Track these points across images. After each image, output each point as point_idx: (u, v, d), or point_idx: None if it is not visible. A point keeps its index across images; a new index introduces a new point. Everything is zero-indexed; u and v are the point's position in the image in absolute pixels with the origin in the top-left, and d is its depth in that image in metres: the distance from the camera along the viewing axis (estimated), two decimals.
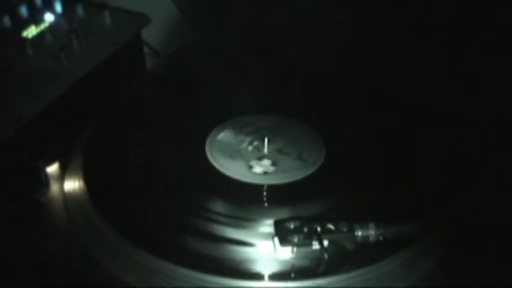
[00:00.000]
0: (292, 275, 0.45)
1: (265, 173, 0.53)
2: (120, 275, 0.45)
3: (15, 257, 0.47)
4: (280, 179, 0.53)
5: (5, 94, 0.57)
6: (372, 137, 0.58)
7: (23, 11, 0.67)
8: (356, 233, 0.44)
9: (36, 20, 0.66)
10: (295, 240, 0.44)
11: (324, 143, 0.56)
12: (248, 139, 0.57)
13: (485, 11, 0.57)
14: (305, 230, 0.44)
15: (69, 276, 0.46)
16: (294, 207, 0.49)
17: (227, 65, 0.69)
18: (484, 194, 0.49)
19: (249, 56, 0.70)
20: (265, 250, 0.46)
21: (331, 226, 0.45)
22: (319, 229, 0.44)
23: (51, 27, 0.66)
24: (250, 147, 0.56)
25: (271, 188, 0.52)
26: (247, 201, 0.51)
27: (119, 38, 0.66)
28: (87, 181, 0.52)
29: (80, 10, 0.69)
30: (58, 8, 0.69)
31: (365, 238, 0.44)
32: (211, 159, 0.54)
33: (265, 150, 0.55)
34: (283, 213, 0.48)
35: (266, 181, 0.52)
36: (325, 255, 0.43)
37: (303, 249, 0.45)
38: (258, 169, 0.53)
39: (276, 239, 0.45)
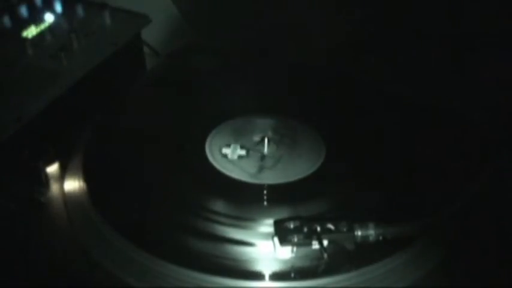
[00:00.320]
0: (292, 275, 0.45)
1: (264, 172, 0.53)
2: (120, 275, 0.45)
3: (15, 257, 0.47)
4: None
5: (5, 94, 0.57)
6: (371, 137, 0.58)
7: (23, 11, 0.67)
8: (356, 233, 0.44)
9: (36, 20, 0.66)
10: (295, 240, 0.44)
11: (324, 143, 0.56)
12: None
13: (485, 11, 0.57)
14: (305, 229, 0.44)
15: (69, 276, 0.46)
16: (294, 207, 0.49)
17: (227, 65, 0.69)
18: (484, 194, 0.49)
19: (249, 56, 0.70)
20: (265, 250, 0.46)
21: (331, 226, 0.45)
22: (319, 229, 0.44)
23: (51, 27, 0.66)
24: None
25: (271, 188, 0.52)
26: (247, 201, 0.51)
27: (119, 38, 0.66)
28: (87, 181, 0.52)
29: (80, 10, 0.69)
30: (58, 8, 0.69)
31: (365, 238, 0.44)
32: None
33: (265, 150, 0.55)
34: (283, 213, 0.48)
35: (266, 181, 0.52)
36: (325, 255, 0.43)
37: (303, 249, 0.45)
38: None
39: (276, 239, 0.45)
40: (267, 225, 0.47)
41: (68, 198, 0.52)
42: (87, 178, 0.52)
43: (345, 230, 0.44)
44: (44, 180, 0.54)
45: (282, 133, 0.57)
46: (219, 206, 0.50)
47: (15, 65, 0.60)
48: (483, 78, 0.60)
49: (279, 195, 0.51)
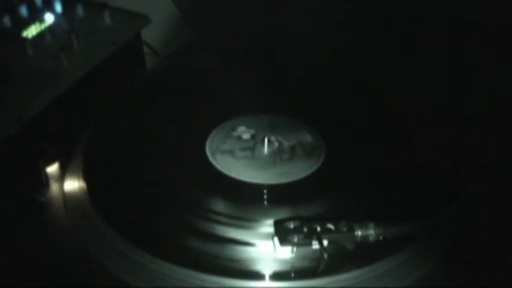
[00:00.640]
0: (292, 275, 0.45)
1: (264, 172, 0.53)
2: (120, 275, 0.45)
3: (15, 257, 0.47)
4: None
5: (5, 94, 0.57)
6: (371, 136, 0.58)
7: (23, 11, 0.67)
8: (356, 233, 0.44)
9: (36, 20, 0.66)
10: (295, 240, 0.44)
11: (324, 143, 0.56)
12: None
13: (485, 10, 0.57)
14: (305, 229, 0.44)
15: (69, 276, 0.46)
16: (294, 207, 0.49)
17: (227, 65, 0.69)
18: (484, 194, 0.49)
19: (249, 56, 0.70)
20: (265, 250, 0.46)
21: (331, 226, 0.45)
22: (319, 229, 0.44)
23: (51, 27, 0.66)
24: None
25: (271, 188, 0.52)
26: (247, 201, 0.51)
27: (119, 38, 0.66)
28: (87, 181, 0.52)
29: (80, 10, 0.69)
30: (58, 8, 0.69)
31: (365, 238, 0.44)
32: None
33: (265, 150, 0.55)
34: (283, 213, 0.48)
35: (266, 181, 0.52)
36: (325, 255, 0.43)
37: (303, 249, 0.45)
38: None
39: (276, 239, 0.45)
40: (267, 225, 0.47)
41: (68, 198, 0.52)
42: (87, 178, 0.52)
43: (345, 230, 0.44)
44: (44, 180, 0.54)
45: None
46: (219, 206, 0.50)
47: (15, 65, 0.60)
48: (483, 78, 0.60)
49: (279, 195, 0.51)
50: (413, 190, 0.51)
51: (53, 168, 0.55)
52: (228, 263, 0.45)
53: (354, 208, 0.49)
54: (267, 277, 0.45)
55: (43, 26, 0.66)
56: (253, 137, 0.57)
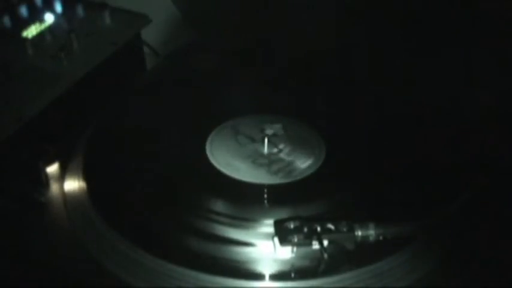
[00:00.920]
0: (292, 275, 0.45)
1: (264, 172, 0.53)
2: (120, 275, 0.45)
3: (15, 257, 0.47)
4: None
5: (5, 94, 0.57)
6: (372, 137, 0.58)
7: (23, 11, 0.67)
8: (356, 233, 0.44)
9: (36, 20, 0.66)
10: (295, 240, 0.44)
11: (324, 143, 0.56)
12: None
13: (485, 10, 0.57)
14: (305, 229, 0.44)
15: (69, 276, 0.46)
16: (294, 207, 0.49)
17: (227, 65, 0.69)
18: (484, 194, 0.49)
19: (249, 56, 0.70)
20: (265, 250, 0.46)
21: (331, 226, 0.45)
22: (319, 229, 0.44)
23: (51, 27, 0.66)
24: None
25: (271, 188, 0.52)
26: (247, 201, 0.51)
27: (119, 38, 0.66)
28: (87, 181, 0.52)
29: (80, 10, 0.69)
30: (58, 8, 0.69)
31: (365, 238, 0.44)
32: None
33: (265, 150, 0.55)
34: (283, 213, 0.48)
35: (266, 181, 0.52)
36: (325, 255, 0.43)
37: (303, 249, 0.45)
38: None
39: (276, 239, 0.45)
40: (267, 225, 0.47)
41: (68, 198, 0.52)
42: (87, 178, 0.52)
43: (345, 230, 0.44)
44: (44, 180, 0.54)
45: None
46: (219, 206, 0.50)
47: (15, 65, 0.60)
48: (483, 78, 0.60)
49: (279, 195, 0.51)
50: (413, 190, 0.51)
51: (53, 168, 0.55)
52: (228, 263, 0.45)
53: (354, 208, 0.49)
54: (267, 277, 0.45)
55: (43, 26, 0.66)
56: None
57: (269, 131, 0.57)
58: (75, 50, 0.63)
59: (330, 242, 0.44)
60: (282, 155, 0.55)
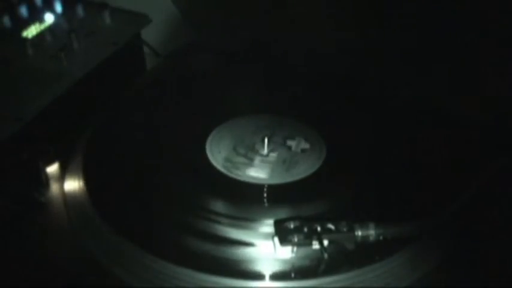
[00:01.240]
0: (292, 275, 0.45)
1: (264, 172, 0.53)
2: (120, 275, 0.45)
3: (15, 257, 0.47)
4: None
5: (5, 94, 0.57)
6: (372, 137, 0.58)
7: (23, 11, 0.67)
8: (356, 233, 0.44)
9: (36, 20, 0.66)
10: (295, 240, 0.44)
11: (324, 143, 0.56)
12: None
13: (485, 10, 0.57)
14: (305, 229, 0.44)
15: (69, 276, 0.46)
16: (294, 207, 0.49)
17: (227, 65, 0.69)
18: (484, 194, 0.49)
19: (249, 56, 0.70)
20: (265, 250, 0.46)
21: (331, 226, 0.45)
22: (319, 229, 0.44)
23: (51, 27, 0.66)
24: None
25: (271, 188, 0.52)
26: (247, 201, 0.51)
27: (119, 38, 0.66)
28: (87, 181, 0.52)
29: (80, 10, 0.69)
30: (58, 8, 0.69)
31: (365, 238, 0.44)
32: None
33: (265, 150, 0.55)
34: (283, 213, 0.48)
35: (266, 181, 0.52)
36: (325, 255, 0.43)
37: (303, 249, 0.45)
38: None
39: (276, 239, 0.45)
40: (267, 225, 0.47)
41: (68, 198, 0.52)
42: (87, 178, 0.52)
43: (345, 230, 0.44)
44: (44, 180, 0.54)
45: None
46: (219, 206, 0.50)
47: (15, 65, 0.60)
48: (483, 78, 0.60)
49: (279, 195, 0.51)
50: (413, 190, 0.51)
51: (53, 168, 0.55)
52: (228, 263, 0.45)
53: (354, 208, 0.49)
54: (267, 277, 0.45)
55: (43, 26, 0.66)
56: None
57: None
58: (75, 50, 0.63)
59: (330, 242, 0.44)
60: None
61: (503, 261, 0.46)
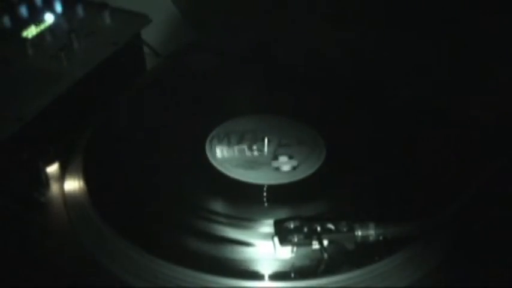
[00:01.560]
0: (292, 275, 0.45)
1: (264, 172, 0.53)
2: (120, 275, 0.45)
3: (15, 257, 0.47)
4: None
5: (5, 94, 0.57)
6: (372, 137, 0.58)
7: (23, 11, 0.67)
8: (356, 233, 0.44)
9: (36, 20, 0.66)
10: (295, 239, 0.44)
11: (324, 143, 0.56)
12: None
13: (485, 11, 0.57)
14: (305, 229, 0.44)
15: (69, 276, 0.46)
16: (294, 207, 0.49)
17: (227, 65, 0.69)
18: (484, 194, 0.49)
19: (249, 56, 0.70)
20: (265, 250, 0.46)
21: (331, 226, 0.45)
22: (319, 229, 0.44)
23: (51, 27, 0.66)
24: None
25: (271, 188, 0.52)
26: (247, 201, 0.51)
27: (119, 38, 0.66)
28: (87, 181, 0.52)
29: (80, 10, 0.69)
30: (58, 8, 0.69)
31: (365, 238, 0.44)
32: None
33: (265, 150, 0.55)
34: (283, 213, 0.48)
35: (266, 181, 0.52)
36: (325, 255, 0.43)
37: (303, 249, 0.45)
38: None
39: (276, 239, 0.45)
40: (267, 225, 0.47)
41: (68, 198, 0.52)
42: (87, 178, 0.52)
43: (345, 230, 0.45)
44: (44, 180, 0.54)
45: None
46: (219, 206, 0.50)
47: (15, 65, 0.60)
48: (483, 78, 0.60)
49: (279, 195, 0.51)
50: (413, 190, 0.51)
51: (53, 168, 0.55)
52: (228, 263, 0.45)
53: (354, 208, 0.49)
54: (267, 277, 0.45)
55: (43, 26, 0.66)
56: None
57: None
58: (75, 50, 0.63)
59: (330, 242, 0.44)
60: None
61: (503, 261, 0.46)
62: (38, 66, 0.60)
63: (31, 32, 0.65)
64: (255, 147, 0.56)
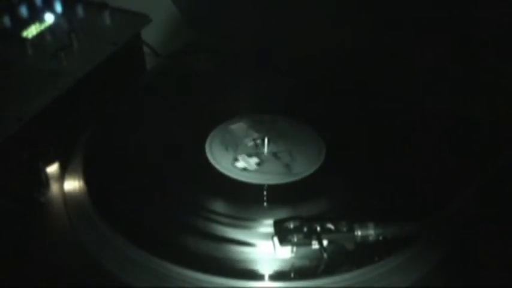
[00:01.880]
0: (292, 275, 0.45)
1: (264, 172, 0.53)
2: (120, 275, 0.45)
3: (15, 257, 0.47)
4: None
5: (5, 94, 0.57)
6: (372, 137, 0.58)
7: (23, 11, 0.67)
8: (356, 233, 0.44)
9: (36, 20, 0.66)
10: (295, 239, 0.44)
11: (324, 143, 0.56)
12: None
13: (485, 12, 0.57)
14: (305, 229, 0.44)
15: (69, 276, 0.46)
16: (294, 207, 0.49)
17: (227, 65, 0.69)
18: (484, 194, 0.49)
19: (249, 56, 0.70)
20: (265, 250, 0.46)
21: (330, 226, 0.45)
22: (318, 229, 0.44)
23: (51, 27, 0.66)
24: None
25: (271, 188, 0.52)
26: (247, 201, 0.51)
27: (119, 38, 0.66)
28: (87, 181, 0.52)
29: (80, 10, 0.69)
30: (58, 8, 0.69)
31: (365, 238, 0.44)
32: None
33: (265, 150, 0.55)
34: (283, 213, 0.48)
35: (266, 181, 0.52)
36: (325, 255, 0.43)
37: (303, 249, 0.45)
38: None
39: (276, 239, 0.45)
40: (267, 225, 0.47)
41: (68, 198, 0.52)
42: (87, 178, 0.52)
43: (344, 230, 0.44)
44: (44, 180, 0.54)
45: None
46: (219, 206, 0.50)
47: (15, 65, 0.60)
48: (483, 78, 0.60)
49: (279, 195, 0.51)
50: (413, 190, 0.51)
51: (53, 168, 0.55)
52: (228, 263, 0.45)
53: (354, 208, 0.49)
54: (267, 277, 0.45)
55: (43, 26, 0.66)
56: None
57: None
58: (75, 50, 0.63)
59: (329, 242, 0.44)
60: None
61: (503, 261, 0.46)
62: (38, 66, 0.60)
63: (31, 32, 0.65)
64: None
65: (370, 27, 0.65)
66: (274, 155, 0.55)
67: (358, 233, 0.44)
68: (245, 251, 0.46)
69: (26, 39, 0.63)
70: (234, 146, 0.56)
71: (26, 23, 0.66)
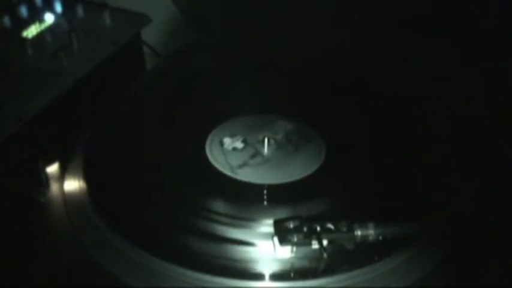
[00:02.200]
0: (292, 275, 0.45)
1: (265, 172, 0.53)
2: (120, 275, 0.45)
3: (15, 257, 0.47)
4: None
5: (5, 94, 0.57)
6: (371, 137, 0.58)
7: (23, 11, 0.67)
8: (355, 233, 0.44)
9: (36, 20, 0.66)
10: (295, 239, 0.44)
11: (324, 143, 0.56)
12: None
13: (484, 12, 0.57)
14: (304, 229, 0.44)
15: (69, 276, 0.46)
16: (294, 207, 0.49)
17: (227, 65, 0.69)
18: (484, 194, 0.49)
19: (249, 56, 0.70)
20: (265, 250, 0.46)
21: (330, 226, 0.45)
22: (318, 229, 0.44)
23: (51, 27, 0.66)
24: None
25: (271, 187, 0.52)
26: (247, 201, 0.51)
27: (119, 38, 0.66)
28: (87, 181, 0.52)
29: (80, 10, 0.69)
30: (58, 8, 0.69)
31: (364, 238, 0.44)
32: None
33: (265, 150, 0.55)
34: (283, 213, 0.48)
35: (266, 181, 0.52)
36: (325, 255, 0.43)
37: (303, 249, 0.45)
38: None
39: (276, 239, 0.45)
40: (267, 225, 0.47)
41: (68, 198, 0.52)
42: (87, 178, 0.52)
43: (344, 230, 0.44)
44: (44, 180, 0.54)
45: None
46: (219, 206, 0.50)
47: (15, 65, 0.60)
48: (483, 78, 0.60)
49: (279, 195, 0.51)
50: (413, 190, 0.51)
51: (53, 168, 0.55)
52: (228, 263, 0.45)
53: (354, 208, 0.49)
54: (267, 277, 0.45)
55: (43, 26, 0.66)
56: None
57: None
58: (75, 50, 0.63)
59: (329, 242, 0.44)
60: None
61: (503, 261, 0.46)
62: (38, 66, 0.61)
63: (31, 32, 0.65)
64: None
65: (370, 27, 0.65)
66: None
67: (358, 233, 0.44)
68: (245, 251, 0.46)
69: (26, 39, 0.63)
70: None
71: (26, 23, 0.66)
